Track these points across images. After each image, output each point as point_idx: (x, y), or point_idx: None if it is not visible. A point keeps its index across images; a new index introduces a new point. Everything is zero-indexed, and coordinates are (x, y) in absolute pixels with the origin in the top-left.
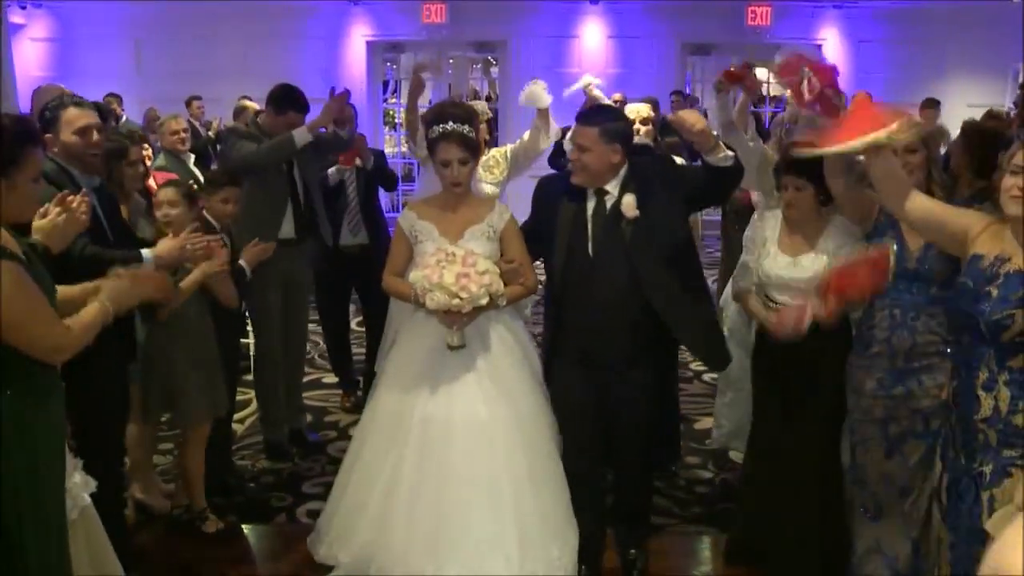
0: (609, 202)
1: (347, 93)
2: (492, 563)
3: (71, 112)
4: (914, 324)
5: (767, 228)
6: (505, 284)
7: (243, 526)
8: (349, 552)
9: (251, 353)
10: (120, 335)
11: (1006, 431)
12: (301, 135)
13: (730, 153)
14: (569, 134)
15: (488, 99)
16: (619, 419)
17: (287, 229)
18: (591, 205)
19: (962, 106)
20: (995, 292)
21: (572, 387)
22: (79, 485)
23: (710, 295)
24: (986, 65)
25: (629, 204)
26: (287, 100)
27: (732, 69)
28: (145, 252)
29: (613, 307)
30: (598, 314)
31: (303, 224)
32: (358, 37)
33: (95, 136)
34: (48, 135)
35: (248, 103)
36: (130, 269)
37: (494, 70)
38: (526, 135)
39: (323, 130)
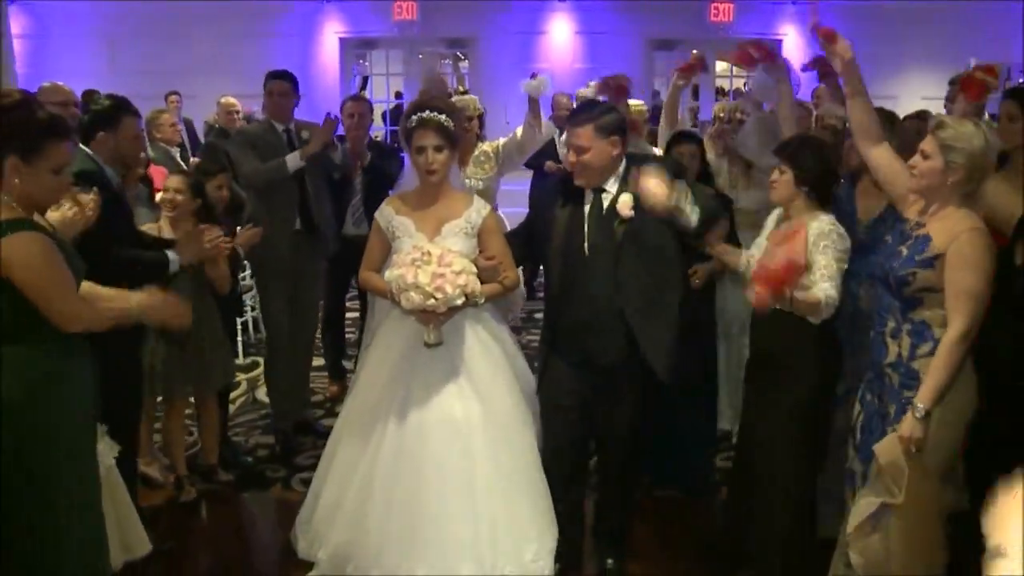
0: (606, 200)
1: (337, 120)
2: (464, 564)
3: (130, 120)
4: (857, 292)
5: (770, 220)
6: (483, 282)
7: (244, 494)
8: (327, 550)
9: (240, 338)
10: None
11: (907, 374)
12: (293, 161)
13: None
14: (563, 138)
15: (459, 94)
16: (605, 426)
17: (297, 221)
18: (588, 204)
19: (917, 99)
20: (905, 251)
21: (562, 388)
22: (105, 448)
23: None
24: (940, 60)
25: (625, 203)
26: (269, 76)
27: (685, 64)
28: (171, 253)
29: (607, 307)
30: (593, 314)
31: (308, 217)
32: (331, 34)
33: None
34: (102, 134)
35: (229, 100)
36: (164, 293)
37: (463, 65)
38: (519, 131)
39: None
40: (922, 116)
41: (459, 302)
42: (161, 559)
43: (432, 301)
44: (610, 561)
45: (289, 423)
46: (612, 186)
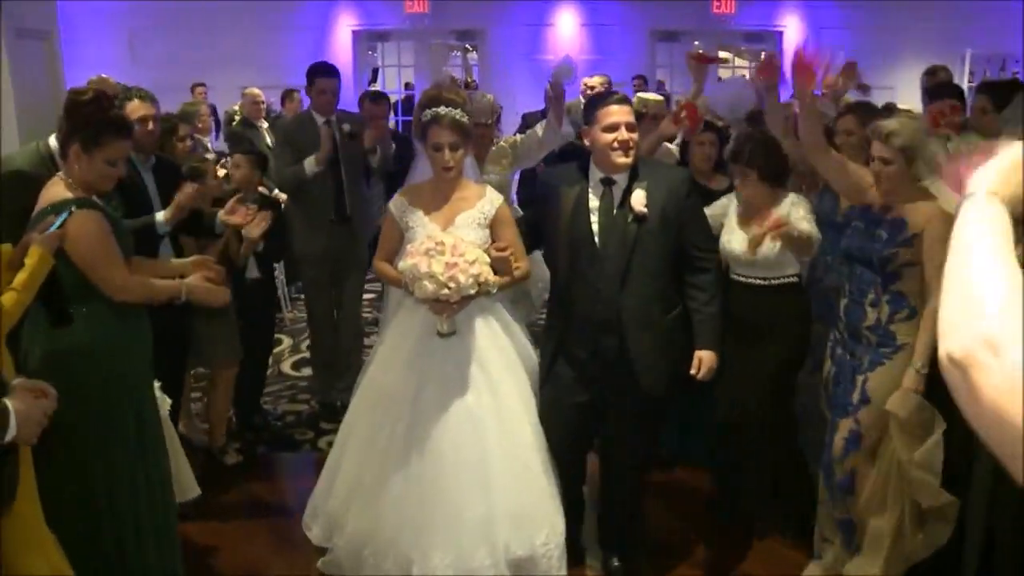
0: (616, 193)
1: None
2: (478, 548)
3: (134, 104)
4: (840, 268)
5: (729, 209)
6: (496, 272)
7: (275, 454)
8: (343, 535)
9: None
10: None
11: (884, 335)
12: (310, 166)
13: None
14: (611, 117)
15: (466, 85)
16: (615, 426)
17: (332, 212)
18: (597, 194)
19: (915, 90)
20: (884, 234)
21: (571, 384)
22: (160, 398)
23: (666, 329)
24: (939, 51)
25: (639, 199)
26: (318, 73)
27: (701, 52)
28: (158, 215)
29: (613, 304)
30: (601, 309)
31: (342, 207)
32: (344, 27)
33: (151, 125)
34: None
35: (254, 91)
36: (213, 281)
37: (471, 56)
38: (539, 130)
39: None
40: (890, 108)
41: (472, 292)
42: (206, 505)
43: (445, 291)
44: (616, 561)
45: (333, 397)
46: (622, 179)
